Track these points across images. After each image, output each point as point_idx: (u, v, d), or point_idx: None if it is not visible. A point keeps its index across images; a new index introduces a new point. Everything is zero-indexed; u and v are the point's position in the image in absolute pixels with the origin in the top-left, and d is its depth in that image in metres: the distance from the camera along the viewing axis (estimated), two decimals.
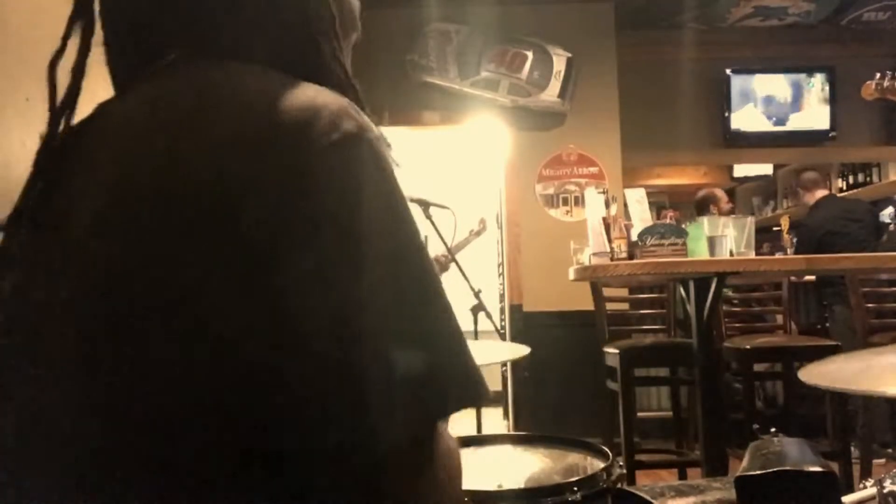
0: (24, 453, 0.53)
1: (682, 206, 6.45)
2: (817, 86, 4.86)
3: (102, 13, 0.62)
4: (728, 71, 4.85)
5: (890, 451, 3.79)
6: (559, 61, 4.28)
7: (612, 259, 2.43)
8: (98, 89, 0.63)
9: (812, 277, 4.34)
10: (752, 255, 2.36)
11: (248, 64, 0.58)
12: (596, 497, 1.17)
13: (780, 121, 4.87)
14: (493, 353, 1.91)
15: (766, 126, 4.87)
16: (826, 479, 1.04)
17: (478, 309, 2.59)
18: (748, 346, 3.07)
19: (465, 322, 2.93)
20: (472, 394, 0.53)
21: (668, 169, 6.54)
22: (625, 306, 3.70)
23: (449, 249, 2.66)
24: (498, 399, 4.73)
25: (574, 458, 1.41)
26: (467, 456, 1.48)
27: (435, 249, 2.81)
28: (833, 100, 4.81)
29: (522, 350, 1.70)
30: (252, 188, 0.49)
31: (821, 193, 4.33)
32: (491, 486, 1.25)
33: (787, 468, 1.05)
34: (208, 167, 0.50)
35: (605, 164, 4.44)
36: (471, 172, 5.91)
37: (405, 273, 0.52)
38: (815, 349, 2.93)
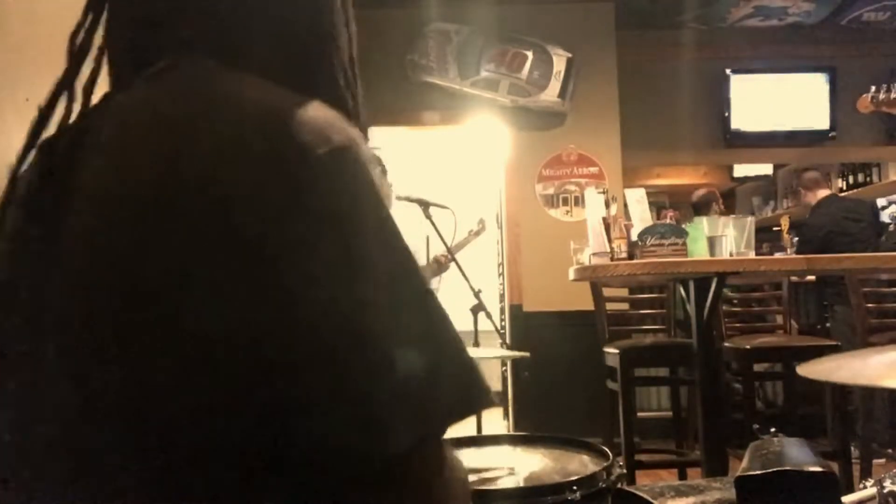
0: (19, 455, 0.53)
1: (682, 206, 6.45)
2: (817, 86, 4.86)
3: (110, 6, 0.62)
4: (728, 71, 4.84)
5: (890, 451, 3.79)
6: (559, 61, 4.28)
7: (612, 259, 2.43)
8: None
9: (812, 277, 4.34)
10: (752, 255, 2.36)
11: (249, 71, 0.58)
12: (596, 497, 1.17)
13: (780, 121, 4.86)
14: (493, 354, 1.92)
15: (766, 126, 4.87)
16: (826, 479, 1.04)
17: (478, 309, 2.59)
18: (748, 346, 3.07)
19: (465, 322, 2.94)
20: (478, 399, 0.53)
21: (668, 169, 6.54)
22: (625, 306, 3.70)
23: (449, 249, 2.66)
24: (498, 399, 4.73)
25: (574, 457, 1.41)
26: (467, 456, 1.48)
27: (435, 249, 2.81)
28: (833, 100, 4.81)
29: (521, 355, 1.70)
30: (244, 195, 0.49)
31: (823, 193, 4.33)
32: (491, 486, 1.25)
33: (787, 468, 1.05)
34: (200, 173, 0.50)
35: (605, 164, 4.44)
36: (471, 172, 5.90)
37: (401, 282, 0.52)
38: (814, 349, 2.93)
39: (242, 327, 0.48)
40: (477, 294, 2.57)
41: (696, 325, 2.38)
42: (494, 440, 1.55)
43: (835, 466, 2.67)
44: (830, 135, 4.86)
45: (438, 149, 6.01)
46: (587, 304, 3.48)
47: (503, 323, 4.47)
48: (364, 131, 0.62)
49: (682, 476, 3.08)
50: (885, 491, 1.05)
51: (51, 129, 0.61)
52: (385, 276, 0.51)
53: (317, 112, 0.53)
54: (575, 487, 1.16)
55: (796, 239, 4.77)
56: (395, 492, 0.50)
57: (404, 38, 4.36)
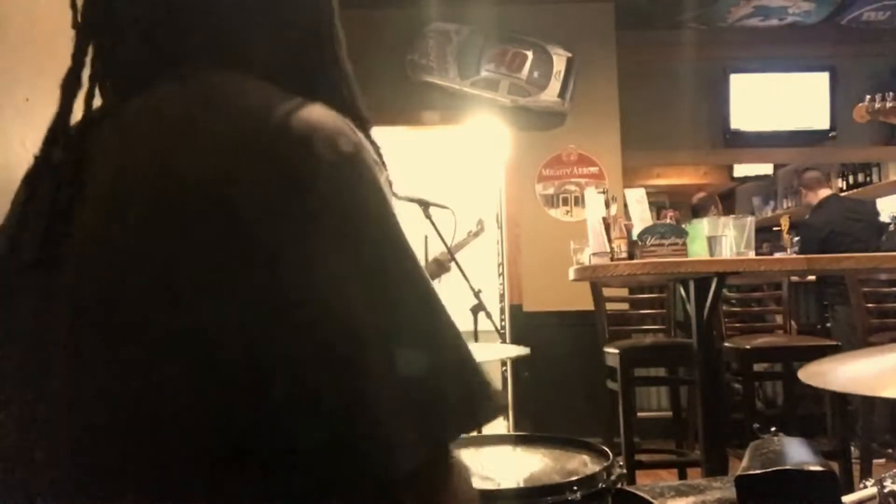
0: (16, 454, 0.53)
1: (682, 206, 6.46)
2: (817, 86, 4.86)
3: (109, 17, 0.62)
4: (728, 71, 4.84)
5: (890, 451, 3.79)
6: (559, 61, 4.28)
7: (612, 259, 2.43)
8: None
9: (812, 277, 4.34)
10: (752, 255, 2.36)
11: (251, 75, 0.59)
12: (596, 497, 1.17)
13: (780, 121, 4.86)
14: (493, 353, 1.92)
15: (766, 126, 4.87)
16: (826, 479, 1.04)
17: (478, 309, 2.59)
18: (748, 346, 3.07)
19: (465, 322, 2.93)
20: (485, 410, 0.52)
21: (668, 169, 6.53)
22: (625, 306, 3.70)
23: (449, 249, 2.66)
24: (503, 399, 4.72)
25: (574, 457, 1.41)
26: (467, 456, 1.48)
27: (435, 249, 2.81)
28: (833, 100, 4.81)
29: (522, 350, 1.70)
30: (251, 200, 0.49)
31: (824, 193, 4.33)
32: (491, 486, 1.25)
33: (787, 468, 1.05)
34: (207, 177, 0.50)
35: (605, 164, 4.44)
36: (471, 172, 5.90)
37: (408, 290, 0.52)
38: (815, 349, 2.93)
39: (242, 328, 0.48)
40: (477, 294, 2.57)
41: (696, 325, 2.38)
42: (494, 440, 1.55)
43: (835, 466, 2.67)
44: (830, 135, 4.85)
45: (438, 149, 6.00)
46: (587, 304, 3.48)
47: (503, 323, 4.47)
48: (367, 132, 0.62)
49: (682, 476, 3.08)
50: (885, 491, 1.04)
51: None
52: (391, 284, 0.51)
53: (323, 117, 0.54)
54: (575, 487, 1.16)
55: (796, 239, 4.77)
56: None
57: (404, 38, 4.36)
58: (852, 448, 3.01)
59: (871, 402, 3.33)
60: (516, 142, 4.44)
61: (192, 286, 0.49)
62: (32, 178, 0.62)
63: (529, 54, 4.28)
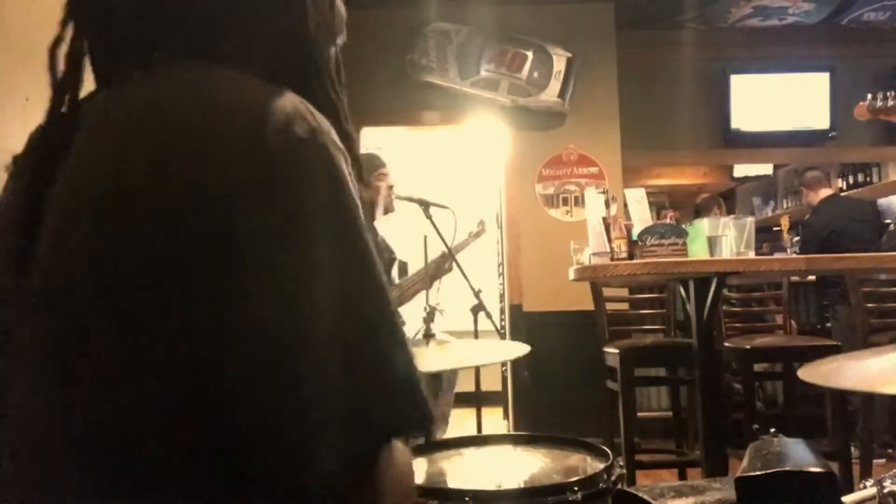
0: (14, 453, 0.53)
1: (682, 206, 6.46)
2: (817, 86, 4.86)
3: (91, 8, 0.62)
4: (728, 71, 4.84)
5: (890, 451, 3.79)
6: (559, 61, 4.28)
7: (612, 259, 2.43)
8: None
9: (812, 277, 4.33)
10: (752, 255, 2.36)
11: (230, 68, 0.58)
12: (596, 497, 1.17)
13: (780, 121, 4.86)
14: (493, 353, 1.91)
15: (766, 126, 4.87)
16: (826, 479, 1.04)
17: (478, 309, 2.59)
18: (748, 346, 3.07)
19: (465, 322, 2.91)
20: (420, 420, 0.52)
21: (668, 169, 6.54)
22: (625, 306, 3.70)
23: (449, 250, 2.66)
24: (498, 399, 4.73)
25: (574, 458, 1.41)
26: (467, 456, 1.48)
27: (435, 249, 2.81)
28: (833, 100, 4.80)
29: (522, 349, 1.70)
30: (196, 189, 0.49)
31: (825, 192, 4.33)
32: (491, 486, 1.25)
33: (787, 468, 1.05)
34: (155, 170, 0.50)
35: (605, 164, 4.44)
36: (471, 172, 5.91)
37: (354, 285, 0.51)
38: (815, 349, 2.93)
39: (188, 323, 0.48)
40: (477, 294, 2.57)
41: (696, 325, 2.38)
42: (494, 440, 1.55)
43: (835, 466, 2.67)
44: (830, 135, 4.85)
45: (438, 149, 6.01)
46: (587, 304, 3.48)
47: (503, 323, 4.47)
48: (345, 127, 0.61)
49: (682, 476, 3.08)
50: (885, 491, 1.05)
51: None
52: (335, 278, 0.50)
53: (284, 104, 0.53)
54: (576, 488, 1.15)
55: (796, 239, 4.77)
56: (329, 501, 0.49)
57: (404, 38, 4.36)
58: (852, 448, 3.01)
59: (871, 403, 3.33)
60: (516, 142, 4.44)
61: (142, 285, 0.49)
62: (14, 165, 0.62)
63: (529, 54, 4.28)
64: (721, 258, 2.27)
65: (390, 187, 2.96)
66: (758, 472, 1.06)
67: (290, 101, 0.54)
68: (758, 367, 3.36)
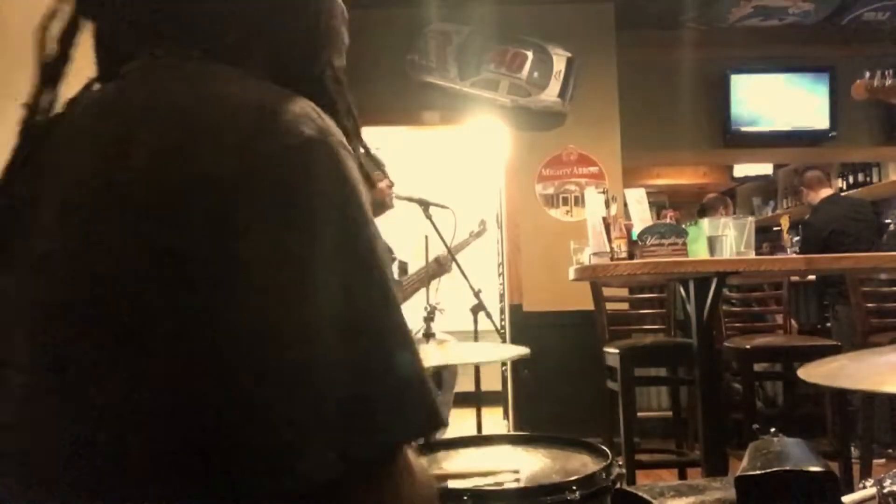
0: (16, 455, 0.53)
1: (682, 206, 6.46)
2: (817, 86, 4.86)
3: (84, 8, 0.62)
4: (728, 71, 4.84)
5: (890, 451, 3.79)
6: (559, 61, 4.28)
7: (612, 259, 2.43)
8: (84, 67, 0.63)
9: (812, 277, 4.33)
10: (752, 255, 2.36)
11: (236, 65, 0.58)
12: (595, 497, 1.17)
13: (780, 121, 4.86)
14: (493, 353, 1.92)
15: (766, 126, 4.87)
16: (826, 479, 1.04)
17: (478, 309, 2.59)
18: (748, 346, 3.07)
19: (465, 322, 2.92)
20: (427, 422, 0.51)
21: (668, 169, 6.54)
22: (625, 306, 3.70)
23: (449, 250, 2.66)
24: (498, 399, 4.73)
25: (574, 457, 1.41)
26: (467, 456, 1.48)
27: (435, 249, 2.81)
28: (833, 100, 4.80)
29: (522, 350, 1.70)
30: (201, 186, 0.49)
31: (825, 192, 4.33)
32: (491, 486, 1.25)
33: (787, 468, 1.05)
34: (157, 167, 0.50)
35: (605, 164, 4.44)
36: (471, 172, 5.91)
37: (360, 285, 0.50)
38: (815, 349, 2.93)
39: (188, 322, 0.47)
40: (477, 294, 2.57)
41: (696, 325, 2.38)
42: (494, 440, 1.55)
43: (835, 466, 2.67)
44: (830, 135, 4.85)
45: (438, 149, 6.01)
46: (587, 304, 3.48)
47: (503, 323, 4.47)
48: (354, 128, 0.61)
49: (682, 476, 3.08)
50: (885, 491, 1.05)
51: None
52: (341, 278, 0.49)
53: (292, 105, 0.53)
54: (575, 487, 1.15)
55: (796, 239, 4.77)
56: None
57: (404, 38, 4.36)
58: (852, 448, 3.01)
59: (871, 403, 3.33)
60: (516, 142, 4.44)
61: (142, 283, 0.48)
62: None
63: (529, 54, 4.28)
64: (721, 258, 2.27)
65: (390, 185, 2.96)
66: (758, 472, 1.06)
67: (297, 102, 0.53)
68: (758, 367, 3.36)
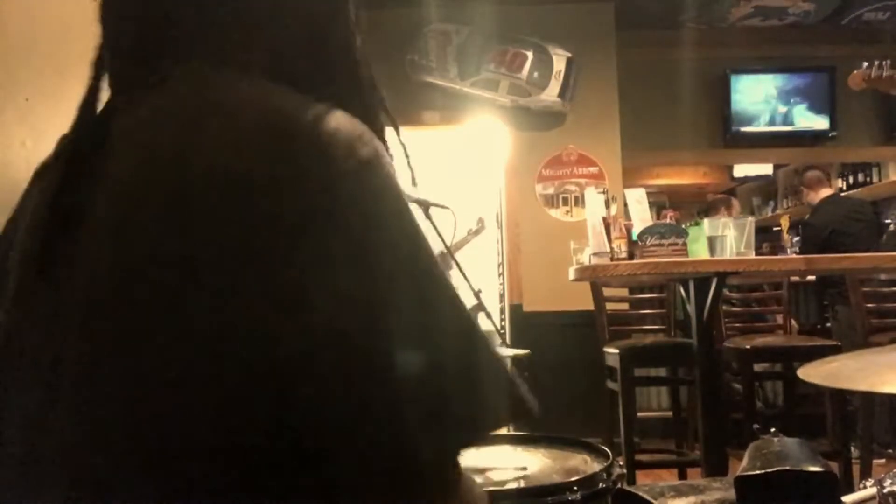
0: (29, 457, 0.53)
1: (682, 206, 6.46)
2: (817, 86, 4.86)
3: (112, 15, 0.62)
4: (728, 71, 4.84)
5: (890, 451, 3.79)
6: (559, 61, 4.28)
7: (612, 259, 2.43)
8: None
9: (812, 277, 4.34)
10: (752, 255, 2.36)
11: (273, 77, 0.59)
12: (596, 497, 1.17)
13: (780, 121, 4.87)
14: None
15: (766, 126, 4.87)
16: (826, 479, 1.04)
17: (478, 309, 2.59)
18: (748, 346, 3.07)
19: None
20: (518, 411, 0.53)
21: (668, 169, 6.54)
22: (625, 306, 3.70)
23: (449, 249, 2.66)
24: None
25: (574, 457, 1.41)
26: (467, 456, 1.48)
27: (435, 249, 2.81)
28: (833, 100, 4.81)
29: (522, 351, 1.70)
30: (270, 198, 0.49)
31: (825, 192, 4.32)
32: (491, 486, 1.25)
33: (787, 468, 1.05)
34: (224, 176, 0.50)
35: (605, 164, 4.44)
36: (471, 172, 5.90)
37: (431, 290, 0.51)
38: (815, 349, 2.93)
39: (259, 327, 0.47)
40: (477, 294, 2.57)
41: (696, 325, 2.38)
42: (494, 440, 1.55)
43: (835, 466, 2.67)
44: (830, 135, 4.86)
45: (438, 149, 6.00)
46: (587, 304, 3.48)
47: (503, 323, 4.47)
48: (383, 139, 0.62)
49: (682, 476, 3.08)
50: (885, 491, 1.05)
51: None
52: (413, 285, 0.50)
53: (342, 123, 0.53)
54: (575, 487, 1.15)
55: (796, 239, 4.77)
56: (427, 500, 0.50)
57: (404, 38, 4.36)
58: (852, 448, 3.01)
59: (870, 403, 3.33)
60: (516, 142, 4.44)
61: (210, 286, 0.49)
62: (41, 171, 0.62)
63: (529, 54, 4.28)
64: (721, 258, 2.27)
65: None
66: (757, 472, 1.06)
67: (347, 121, 0.54)
68: (758, 367, 3.36)
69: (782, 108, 4.86)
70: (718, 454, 2.35)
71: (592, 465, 1.32)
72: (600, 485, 1.19)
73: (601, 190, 2.69)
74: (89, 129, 0.59)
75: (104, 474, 0.50)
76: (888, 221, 4.99)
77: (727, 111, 4.84)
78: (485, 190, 5.12)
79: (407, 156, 0.60)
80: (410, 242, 0.52)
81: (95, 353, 0.51)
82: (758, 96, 4.86)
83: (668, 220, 2.57)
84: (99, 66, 0.61)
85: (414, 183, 0.60)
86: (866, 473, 3.01)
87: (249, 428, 0.48)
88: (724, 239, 2.30)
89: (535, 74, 4.26)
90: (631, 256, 2.40)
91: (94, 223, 0.54)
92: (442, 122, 4.56)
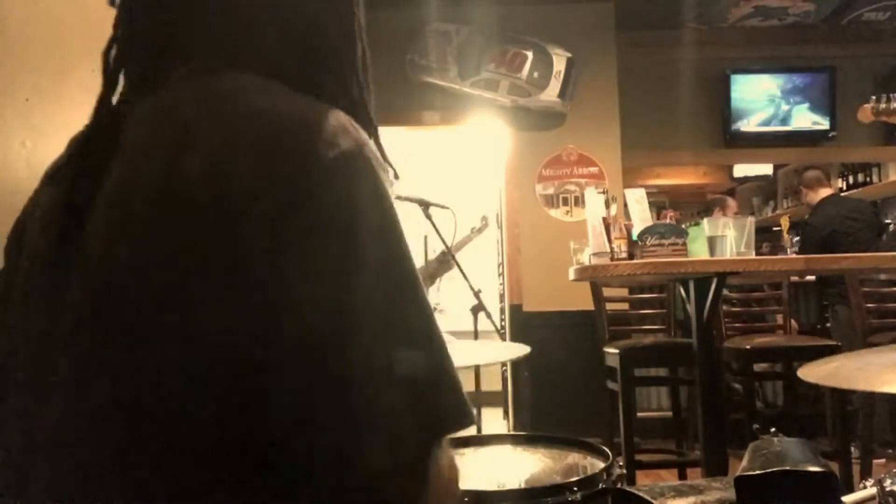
0: (28, 458, 0.53)
1: (682, 206, 6.46)
2: (817, 86, 4.86)
3: (124, 19, 0.63)
4: (728, 71, 4.84)
5: (890, 451, 3.79)
6: (559, 61, 4.28)
7: (612, 259, 2.43)
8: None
9: (812, 277, 4.33)
10: (752, 255, 2.36)
11: (257, 73, 0.59)
12: (596, 497, 1.17)
13: (780, 121, 4.87)
14: (493, 353, 1.92)
15: (766, 126, 4.87)
16: (826, 479, 1.04)
17: (478, 309, 2.59)
18: (748, 346, 3.07)
19: (465, 322, 2.92)
20: (466, 418, 0.53)
21: (668, 169, 6.54)
22: (625, 306, 3.70)
23: (449, 249, 2.66)
24: (498, 399, 4.73)
25: (574, 458, 1.41)
26: (467, 456, 1.48)
27: (435, 249, 2.81)
28: (833, 100, 4.81)
29: (522, 350, 1.70)
30: (252, 197, 0.50)
31: (824, 192, 4.32)
32: (491, 486, 1.25)
33: (787, 468, 1.05)
34: (207, 175, 0.51)
35: (605, 164, 4.44)
36: (471, 172, 5.90)
37: (403, 291, 0.52)
38: (815, 349, 2.93)
39: (238, 327, 0.48)
40: (477, 294, 2.57)
41: (696, 325, 2.38)
42: (494, 440, 1.55)
43: (835, 466, 2.67)
44: (830, 135, 4.86)
45: (438, 149, 6.01)
46: (587, 304, 3.48)
47: (503, 323, 4.47)
48: (375, 136, 0.62)
49: (682, 476, 3.08)
50: (885, 491, 1.05)
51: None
52: (387, 284, 0.51)
53: (327, 116, 0.54)
54: (575, 488, 1.15)
55: (796, 239, 4.77)
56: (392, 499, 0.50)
57: (404, 38, 4.36)
58: (852, 448, 3.01)
59: (871, 403, 3.33)
60: (516, 142, 4.44)
61: (195, 288, 0.49)
62: (52, 173, 0.62)
63: (529, 54, 4.28)
64: (721, 258, 2.27)
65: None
66: (757, 472, 1.06)
67: (335, 115, 0.55)
68: (758, 367, 3.36)
69: (782, 108, 4.85)
70: (718, 454, 2.34)
71: (592, 466, 1.32)
72: (600, 485, 1.19)
73: (601, 190, 2.69)
74: (101, 131, 0.60)
75: (91, 470, 0.50)
76: (888, 221, 4.99)
77: (727, 111, 4.84)
78: (485, 190, 5.12)
79: (383, 152, 0.60)
80: (387, 241, 0.53)
81: (85, 353, 0.52)
82: (758, 96, 4.86)
83: (668, 220, 2.57)
84: (110, 70, 0.62)
85: (396, 177, 0.61)
86: (866, 473, 3.01)
87: (225, 426, 0.48)
88: (724, 239, 2.30)
89: (535, 74, 4.26)
90: (631, 256, 2.40)
91: (93, 224, 0.54)
92: (442, 122, 4.56)
